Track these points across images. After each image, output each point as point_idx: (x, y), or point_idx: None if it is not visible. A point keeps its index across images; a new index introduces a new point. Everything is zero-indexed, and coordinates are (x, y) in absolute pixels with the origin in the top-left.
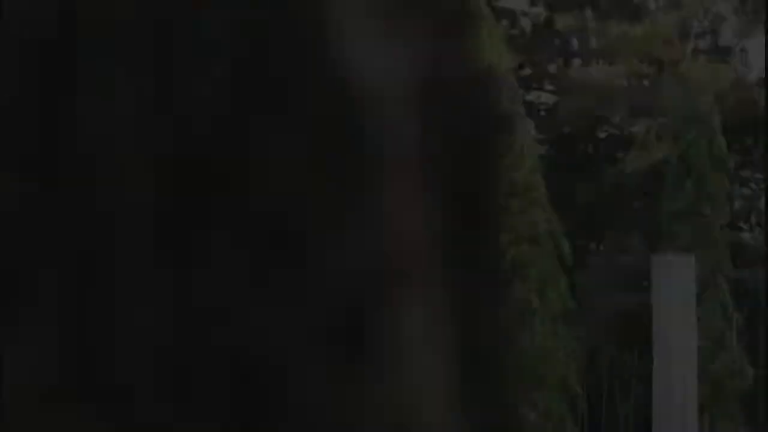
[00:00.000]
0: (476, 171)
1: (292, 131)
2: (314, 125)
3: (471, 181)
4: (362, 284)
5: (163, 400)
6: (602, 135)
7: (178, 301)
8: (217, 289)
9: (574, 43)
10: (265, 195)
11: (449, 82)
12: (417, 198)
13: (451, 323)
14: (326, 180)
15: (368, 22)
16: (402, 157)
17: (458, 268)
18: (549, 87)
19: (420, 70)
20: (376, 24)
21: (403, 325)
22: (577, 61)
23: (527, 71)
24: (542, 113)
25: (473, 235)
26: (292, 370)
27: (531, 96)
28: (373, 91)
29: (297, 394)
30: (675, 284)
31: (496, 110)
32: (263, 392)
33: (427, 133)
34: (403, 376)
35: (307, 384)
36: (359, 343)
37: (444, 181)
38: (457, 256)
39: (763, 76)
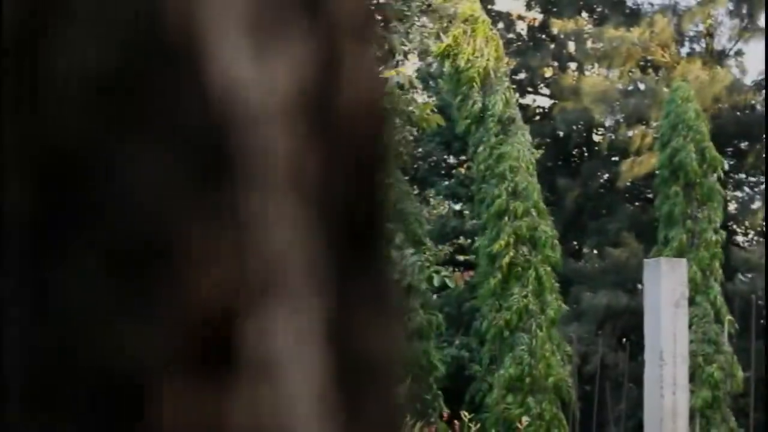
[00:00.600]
0: (359, 189)
1: (161, 146)
2: (184, 140)
3: (353, 198)
4: (229, 297)
5: (22, 416)
6: (597, 139)
7: (36, 311)
8: (79, 303)
9: (570, 46)
10: (131, 208)
11: (334, 99)
12: (290, 214)
13: (328, 336)
14: (194, 194)
15: (245, 35)
16: (274, 173)
17: (340, 282)
18: (544, 91)
19: (301, 86)
20: (253, 36)
21: (272, 338)
22: (572, 65)
23: (523, 75)
24: (537, 117)
25: (356, 252)
26: (157, 384)
27: (526, 100)
28: (247, 107)
29: (163, 407)
30: (666, 287)
31: (380, 127)
32: (127, 407)
33: (306, 150)
34: (273, 388)
35: (172, 397)
36: (226, 356)
37: (324, 198)
38: (338, 271)
39: (759, 78)
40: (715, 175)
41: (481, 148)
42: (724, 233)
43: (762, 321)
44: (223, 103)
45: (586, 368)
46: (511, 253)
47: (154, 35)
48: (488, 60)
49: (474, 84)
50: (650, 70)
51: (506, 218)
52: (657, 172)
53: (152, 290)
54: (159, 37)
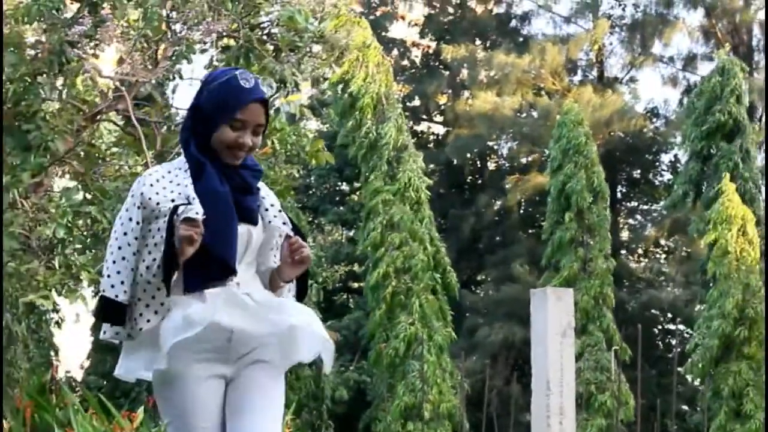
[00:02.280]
0: None
1: None
2: None
3: None
4: None
5: None
6: (491, 166)
7: None
8: None
9: (464, 73)
10: None
11: None
12: None
13: None
14: None
15: None
16: None
17: None
18: (438, 118)
19: None
20: None
21: None
22: (466, 93)
23: (417, 102)
24: (431, 144)
25: None
26: None
27: (421, 127)
28: None
29: None
30: (553, 317)
31: None
32: None
33: None
34: None
35: None
36: None
37: None
38: None
39: (651, 106)
40: (607, 202)
41: (372, 177)
42: (614, 261)
43: (654, 350)
44: None
45: (478, 397)
46: (393, 284)
47: None
48: (380, 86)
49: (368, 111)
50: (543, 97)
51: (383, 250)
52: (548, 198)
53: None
54: None
